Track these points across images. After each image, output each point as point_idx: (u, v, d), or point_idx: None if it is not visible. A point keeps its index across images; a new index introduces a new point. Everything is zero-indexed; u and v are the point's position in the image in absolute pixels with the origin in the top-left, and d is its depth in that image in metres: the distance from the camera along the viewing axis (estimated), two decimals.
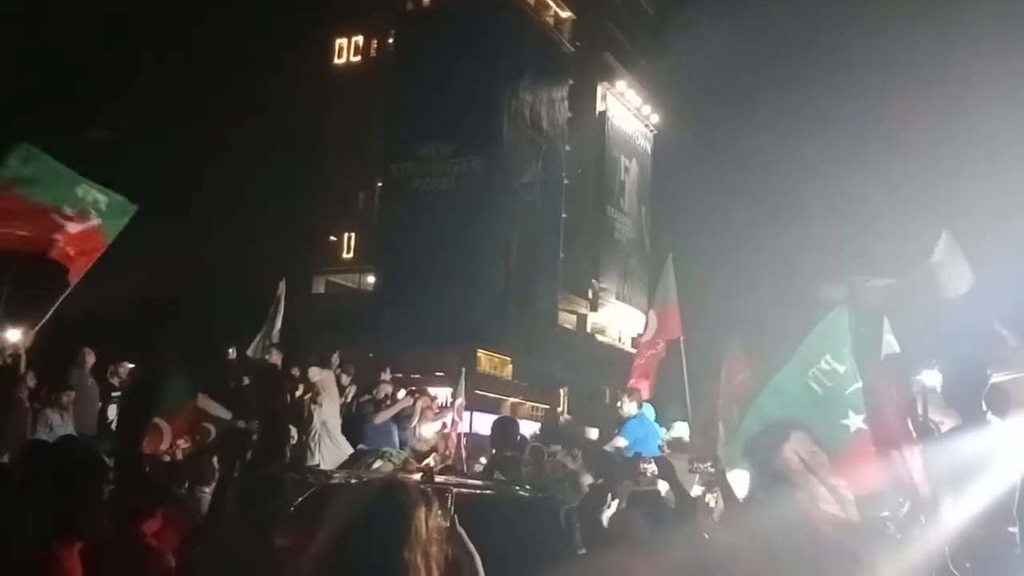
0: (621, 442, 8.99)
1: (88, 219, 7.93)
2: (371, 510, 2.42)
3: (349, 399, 10.86)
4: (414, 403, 11.25)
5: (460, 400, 12.64)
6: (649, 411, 9.51)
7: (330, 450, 9.23)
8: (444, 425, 11.93)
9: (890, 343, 4.55)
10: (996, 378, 5.49)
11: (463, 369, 13.89)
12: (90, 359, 10.39)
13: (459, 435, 11.90)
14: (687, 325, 10.07)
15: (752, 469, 4.51)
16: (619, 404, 9.79)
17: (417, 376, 12.32)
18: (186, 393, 8.65)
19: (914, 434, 4.36)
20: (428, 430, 11.57)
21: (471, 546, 2.61)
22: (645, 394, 10.05)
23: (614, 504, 6.01)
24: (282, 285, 11.04)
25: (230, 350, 10.95)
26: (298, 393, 9.81)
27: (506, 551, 3.38)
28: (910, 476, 4.16)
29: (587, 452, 9.42)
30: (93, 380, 10.39)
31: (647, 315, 10.83)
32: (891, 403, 4.42)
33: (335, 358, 10.72)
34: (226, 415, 8.53)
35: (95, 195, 8.00)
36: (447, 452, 11.13)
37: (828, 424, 4.34)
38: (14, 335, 8.61)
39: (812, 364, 4.53)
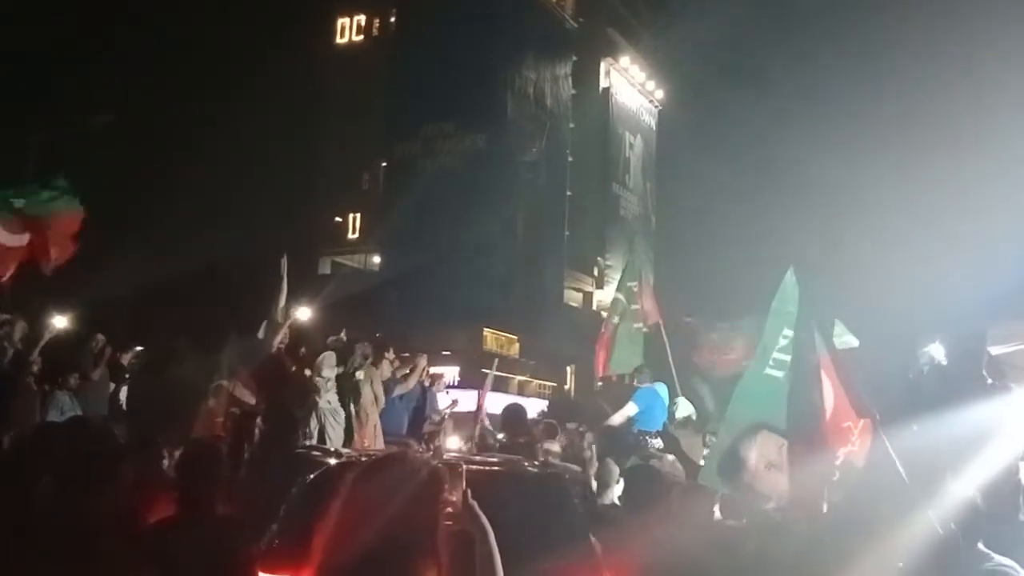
0: (631, 409, 9.20)
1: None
2: (385, 486, 2.47)
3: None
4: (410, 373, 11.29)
5: (488, 389, 12.68)
6: (661, 388, 9.70)
7: (335, 428, 9.34)
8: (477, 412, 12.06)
9: (848, 342, 4.43)
10: (998, 350, 5.53)
11: (495, 360, 13.67)
12: (100, 342, 10.44)
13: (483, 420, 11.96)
14: (688, 305, 10.29)
15: (726, 488, 4.48)
16: (634, 379, 10.14)
17: (422, 355, 12.26)
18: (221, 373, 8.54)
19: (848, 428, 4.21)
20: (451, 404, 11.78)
21: (484, 520, 2.63)
22: (600, 369, 10.65)
23: (622, 481, 6.08)
24: (283, 263, 10.72)
25: (259, 333, 10.69)
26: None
27: (519, 525, 3.43)
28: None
29: (596, 428, 9.57)
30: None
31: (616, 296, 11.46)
32: (841, 391, 4.20)
33: (343, 337, 10.76)
34: (251, 400, 8.43)
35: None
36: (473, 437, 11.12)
37: (796, 402, 4.12)
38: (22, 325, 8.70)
39: (771, 348, 4.31)
